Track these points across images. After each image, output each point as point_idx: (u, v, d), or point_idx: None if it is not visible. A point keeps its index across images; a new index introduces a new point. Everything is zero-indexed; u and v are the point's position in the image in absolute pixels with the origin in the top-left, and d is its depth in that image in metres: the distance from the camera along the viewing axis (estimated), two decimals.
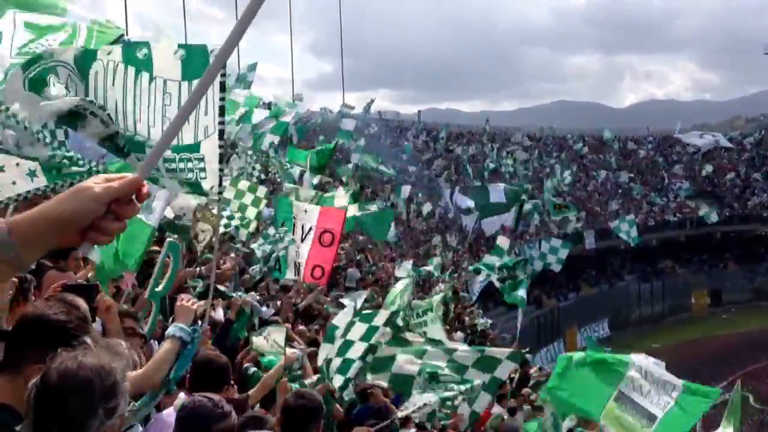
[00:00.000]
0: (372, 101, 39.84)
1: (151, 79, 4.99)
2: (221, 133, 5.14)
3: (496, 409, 10.98)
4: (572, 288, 40.07)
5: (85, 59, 4.91)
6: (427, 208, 35.54)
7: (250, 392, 5.69)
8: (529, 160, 49.20)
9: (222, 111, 5.16)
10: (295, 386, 6.05)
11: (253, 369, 6.48)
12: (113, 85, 4.95)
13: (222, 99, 5.15)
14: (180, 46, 5.14)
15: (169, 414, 3.82)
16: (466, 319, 19.20)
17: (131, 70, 4.97)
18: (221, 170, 5.21)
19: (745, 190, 53.57)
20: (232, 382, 5.00)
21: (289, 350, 6.48)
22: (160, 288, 6.31)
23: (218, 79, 5.05)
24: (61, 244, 1.45)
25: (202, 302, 5.58)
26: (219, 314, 7.84)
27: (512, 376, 14.18)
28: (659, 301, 42.70)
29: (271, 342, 6.66)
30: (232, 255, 11.20)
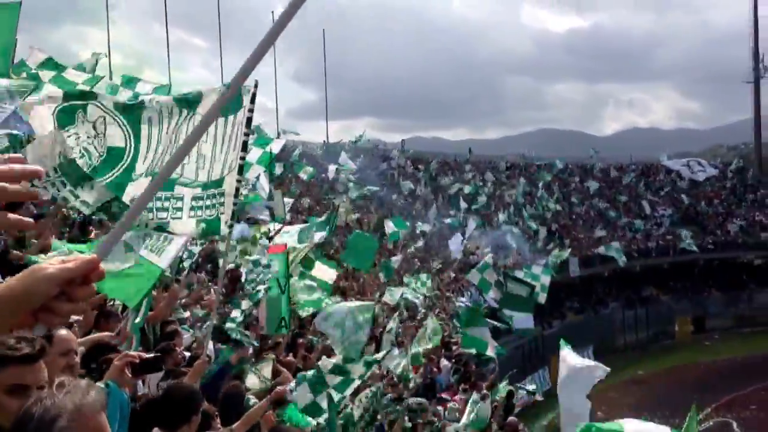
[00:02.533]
0: (362, 135, 40.56)
1: (193, 115, 5.02)
2: (241, 168, 5.25)
3: None
4: (557, 315, 40.15)
5: (136, 112, 4.90)
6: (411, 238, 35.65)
7: (234, 425, 5.71)
8: (512, 185, 49.50)
9: (245, 146, 5.25)
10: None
11: (254, 400, 6.49)
12: (167, 132, 4.93)
13: (246, 135, 5.25)
14: (225, 85, 5.01)
15: None
16: (454, 347, 19.16)
17: (184, 112, 4.99)
18: (235, 204, 5.29)
19: (727, 218, 54.12)
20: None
21: (279, 387, 6.51)
22: (138, 320, 6.35)
23: (245, 114, 5.21)
24: (14, 325, 1.45)
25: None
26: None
27: (495, 405, 14.24)
28: (643, 327, 42.85)
29: (261, 377, 6.70)
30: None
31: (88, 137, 4.80)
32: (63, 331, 3.84)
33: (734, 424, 25.93)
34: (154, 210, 5.01)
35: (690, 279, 47.74)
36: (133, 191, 4.85)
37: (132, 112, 4.91)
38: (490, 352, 14.53)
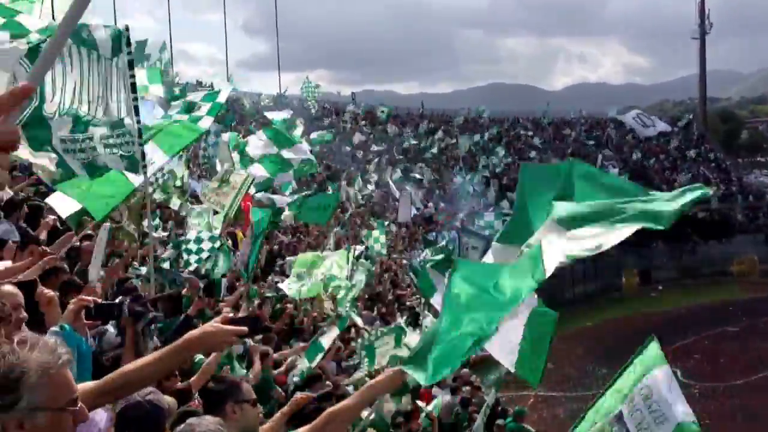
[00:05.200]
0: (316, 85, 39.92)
1: (98, 58, 5.28)
2: (136, 109, 5.52)
3: (437, 391, 11.09)
4: None
5: (37, 50, 4.92)
6: (364, 190, 35.57)
7: (191, 380, 5.64)
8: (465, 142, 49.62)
9: (134, 87, 5.53)
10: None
11: (199, 357, 6.41)
12: (72, 70, 5.12)
13: (132, 76, 5.52)
14: (105, 26, 5.50)
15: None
16: (408, 302, 19.25)
17: (84, 51, 5.20)
18: (141, 145, 5.58)
19: (673, 172, 55.16)
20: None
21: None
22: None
23: (125, 57, 5.52)
24: None
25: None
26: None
27: None
28: (591, 280, 43.70)
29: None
30: None
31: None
32: (8, 287, 3.77)
33: (678, 373, 26.66)
34: (75, 151, 5.22)
35: (636, 232, 48.41)
36: (58, 130, 5.10)
37: (35, 52, 4.98)
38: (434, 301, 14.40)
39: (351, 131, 45.85)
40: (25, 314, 3.83)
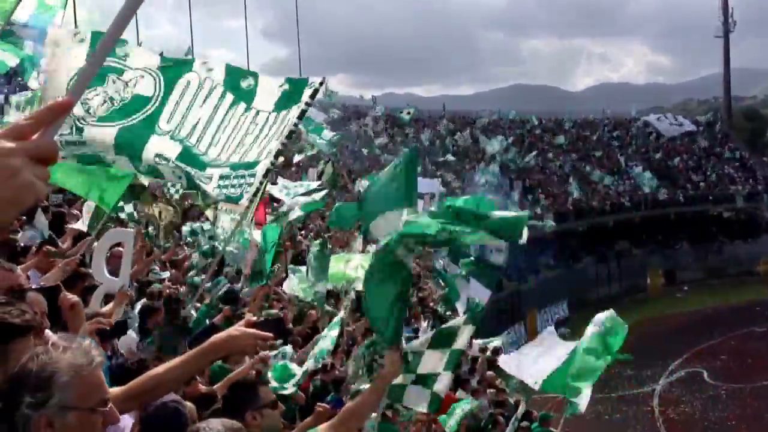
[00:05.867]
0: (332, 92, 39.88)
1: (247, 110, 4.91)
2: (278, 153, 5.12)
3: (462, 395, 11.07)
4: (532, 270, 40.51)
5: (177, 69, 4.83)
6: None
7: (216, 386, 5.67)
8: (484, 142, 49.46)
9: (290, 135, 5.09)
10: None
11: (219, 363, 6.45)
12: (202, 105, 4.83)
13: (295, 125, 5.08)
14: (287, 80, 5.08)
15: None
16: (431, 303, 19.21)
17: (229, 97, 4.87)
18: (261, 182, 5.17)
19: (697, 172, 54.64)
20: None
21: (262, 352, 6.52)
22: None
23: (302, 107, 5.02)
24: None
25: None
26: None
27: (475, 356, 14.34)
28: (616, 281, 43.42)
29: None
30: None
31: (116, 92, 4.68)
32: (33, 294, 3.82)
33: (705, 374, 26.47)
34: (183, 178, 4.89)
35: (661, 232, 48.29)
36: (156, 147, 4.73)
37: (172, 70, 4.80)
38: (460, 305, 14.32)
39: (374, 134, 45.90)
40: (47, 321, 3.88)
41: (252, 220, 10.35)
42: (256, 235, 9.85)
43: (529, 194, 43.49)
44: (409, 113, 49.89)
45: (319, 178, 20.95)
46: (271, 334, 2.69)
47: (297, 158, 25.93)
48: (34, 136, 1.12)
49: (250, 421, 3.49)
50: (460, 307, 13.07)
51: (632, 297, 42.25)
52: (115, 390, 2.44)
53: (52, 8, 8.84)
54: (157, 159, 4.79)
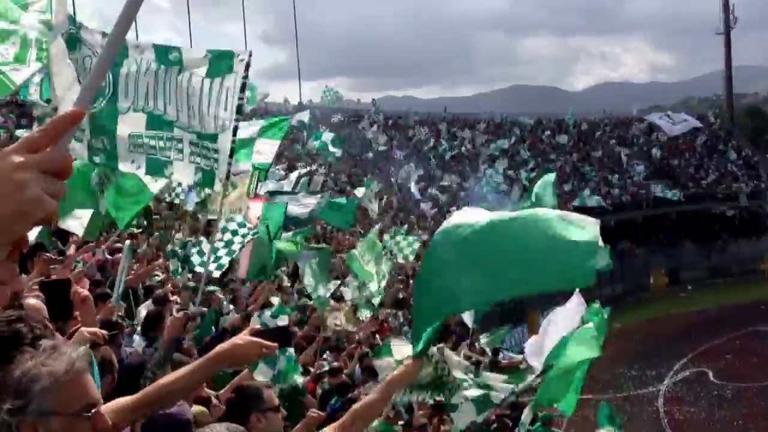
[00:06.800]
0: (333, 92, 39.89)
1: (180, 72, 5.62)
2: (235, 129, 5.69)
3: None
4: None
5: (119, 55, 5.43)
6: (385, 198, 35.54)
7: (220, 393, 5.68)
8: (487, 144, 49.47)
9: (240, 109, 5.71)
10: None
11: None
12: (145, 74, 5.57)
13: (241, 98, 5.71)
14: (209, 50, 5.79)
15: None
16: None
17: (163, 67, 5.60)
18: (230, 164, 5.73)
19: (699, 170, 54.56)
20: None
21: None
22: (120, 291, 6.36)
23: (240, 79, 5.71)
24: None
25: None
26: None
27: (478, 359, 14.29)
28: (619, 281, 43.34)
29: None
30: None
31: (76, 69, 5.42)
32: (33, 300, 3.83)
33: (710, 374, 26.38)
34: (158, 148, 5.63)
35: (664, 231, 48.24)
36: (126, 126, 5.57)
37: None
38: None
39: (373, 137, 45.91)
40: (49, 327, 3.87)
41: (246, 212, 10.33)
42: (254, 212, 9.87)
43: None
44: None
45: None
46: (275, 344, 2.67)
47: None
48: (47, 149, 1.08)
49: (254, 424, 3.58)
50: (467, 318, 12.83)
51: (636, 297, 42.18)
52: (125, 400, 2.47)
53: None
54: (131, 140, 5.55)
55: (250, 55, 5.83)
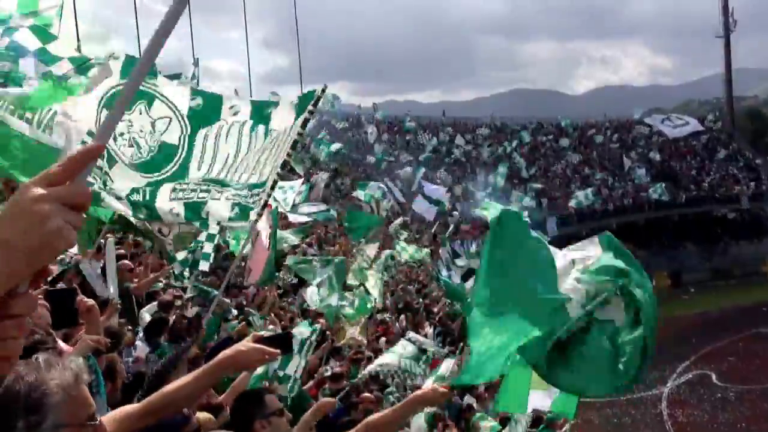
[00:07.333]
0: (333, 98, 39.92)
1: (266, 133, 5.15)
2: (284, 163, 5.33)
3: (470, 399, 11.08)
4: None
5: (205, 116, 4.99)
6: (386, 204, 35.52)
7: (222, 397, 5.66)
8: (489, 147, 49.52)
9: (294, 145, 5.29)
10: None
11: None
12: (226, 141, 5.05)
13: (300, 134, 5.27)
14: (299, 97, 5.33)
15: None
16: (435, 309, 19.17)
17: (248, 124, 5.11)
18: (268, 195, 5.36)
19: (700, 173, 54.56)
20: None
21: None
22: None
23: (305, 116, 5.22)
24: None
25: None
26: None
27: None
28: None
29: None
30: None
31: (141, 131, 4.80)
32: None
33: (713, 376, 26.36)
34: (198, 190, 5.08)
35: (666, 234, 48.23)
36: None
37: (199, 116, 4.98)
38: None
39: (374, 142, 45.98)
40: (52, 335, 3.89)
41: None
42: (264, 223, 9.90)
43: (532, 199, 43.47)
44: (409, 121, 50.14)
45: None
46: (278, 350, 2.70)
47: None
48: (67, 183, 1.10)
49: (258, 430, 3.53)
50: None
51: None
52: (129, 408, 2.49)
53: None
54: (174, 194, 4.99)
55: (323, 90, 5.42)
